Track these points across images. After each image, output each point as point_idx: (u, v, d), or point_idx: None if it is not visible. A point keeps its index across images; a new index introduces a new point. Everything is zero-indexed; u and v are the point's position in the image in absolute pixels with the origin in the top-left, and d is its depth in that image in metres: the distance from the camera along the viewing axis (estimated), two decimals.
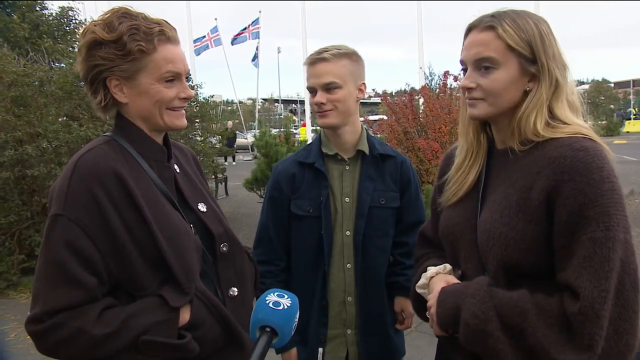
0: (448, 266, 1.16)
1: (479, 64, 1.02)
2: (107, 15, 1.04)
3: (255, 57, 21.01)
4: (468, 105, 1.07)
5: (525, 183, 0.99)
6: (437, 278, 1.13)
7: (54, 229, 0.95)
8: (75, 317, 0.92)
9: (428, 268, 1.18)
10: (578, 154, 0.93)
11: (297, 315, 0.99)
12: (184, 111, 1.12)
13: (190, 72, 8.62)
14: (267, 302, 0.96)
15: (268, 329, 0.93)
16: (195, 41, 17.54)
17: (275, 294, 0.98)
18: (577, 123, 1.01)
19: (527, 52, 0.99)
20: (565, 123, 1.01)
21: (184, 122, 1.13)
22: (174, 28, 1.09)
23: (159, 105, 1.06)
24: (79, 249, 0.94)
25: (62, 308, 0.92)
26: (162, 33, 1.04)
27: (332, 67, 1.49)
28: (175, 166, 1.16)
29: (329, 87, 1.49)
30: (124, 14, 1.04)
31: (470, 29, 1.05)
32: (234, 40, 19.67)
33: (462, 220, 1.11)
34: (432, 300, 1.08)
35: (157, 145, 1.11)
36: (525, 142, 1.02)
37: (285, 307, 0.96)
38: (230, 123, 18.95)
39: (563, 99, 1.02)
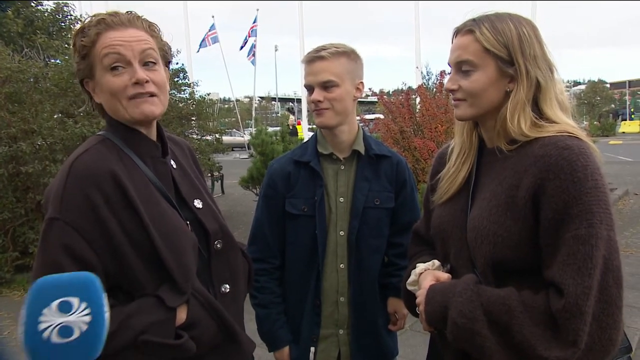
0: (437, 262, 1.17)
1: (459, 67, 1.06)
2: None
3: (251, 52, 20.98)
4: (453, 107, 1.11)
5: (513, 181, 1.00)
6: (425, 274, 1.15)
7: (50, 232, 0.94)
8: None
9: (417, 265, 1.19)
10: (563, 152, 0.95)
11: (105, 306, 0.65)
12: (150, 97, 1.03)
13: (187, 70, 8.55)
14: (45, 334, 0.57)
15: None
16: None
17: (54, 306, 0.56)
18: (565, 122, 1.03)
19: (504, 54, 1.02)
20: (553, 122, 1.02)
21: (149, 109, 1.03)
22: (124, 14, 1.04)
23: (116, 97, 1.03)
24: (76, 251, 0.94)
25: None
26: (100, 22, 1.01)
27: (329, 65, 1.48)
28: (172, 161, 1.15)
29: (326, 85, 1.49)
30: (94, 16, 1.05)
31: (455, 33, 1.09)
32: (242, 47, 20.05)
33: (453, 218, 1.13)
34: (420, 297, 1.09)
35: (150, 141, 1.10)
36: (513, 142, 1.04)
37: (83, 328, 0.59)
38: (292, 118, 19.04)
39: (552, 98, 1.04)
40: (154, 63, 1.05)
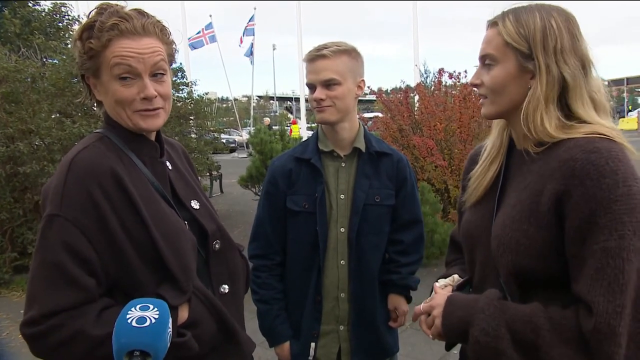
0: (456, 277, 1.15)
1: (483, 61, 1.02)
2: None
3: (250, 53, 20.97)
4: (480, 104, 1.06)
5: (537, 187, 0.94)
6: (445, 290, 1.12)
7: (50, 229, 0.92)
8: (74, 318, 0.91)
9: (439, 280, 1.16)
10: (590, 156, 0.87)
11: (170, 324, 0.85)
12: (157, 112, 1.03)
13: (185, 69, 8.51)
14: (129, 320, 0.81)
15: (137, 353, 0.80)
16: (189, 37, 17.67)
17: (138, 307, 0.84)
18: (598, 122, 0.94)
19: (524, 48, 0.95)
20: (584, 122, 0.94)
21: (153, 123, 1.04)
22: (138, 17, 1.00)
23: (120, 106, 1.01)
24: (77, 249, 0.92)
25: (61, 309, 0.91)
26: (113, 27, 0.96)
27: (331, 63, 1.49)
28: (168, 163, 1.14)
29: (328, 84, 1.50)
30: (98, 10, 1.00)
31: (487, 26, 1.03)
32: (241, 44, 20.10)
33: (480, 223, 1.07)
34: (437, 309, 1.03)
35: (149, 141, 1.09)
36: (540, 144, 0.98)
37: (152, 320, 0.82)
38: (267, 120, 18.89)
39: (583, 96, 0.95)
40: (163, 74, 1.03)
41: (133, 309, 0.84)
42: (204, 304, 1.04)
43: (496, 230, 1.00)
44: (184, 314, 1.00)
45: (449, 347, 1.12)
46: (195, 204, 1.13)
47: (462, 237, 1.14)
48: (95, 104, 1.09)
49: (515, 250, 0.94)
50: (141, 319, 0.82)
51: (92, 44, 0.98)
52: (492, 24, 1.00)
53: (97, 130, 1.08)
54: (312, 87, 1.54)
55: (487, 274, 1.04)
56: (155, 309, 0.84)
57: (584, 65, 0.96)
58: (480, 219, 1.07)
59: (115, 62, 0.98)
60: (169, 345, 0.86)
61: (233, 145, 21.05)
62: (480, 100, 1.05)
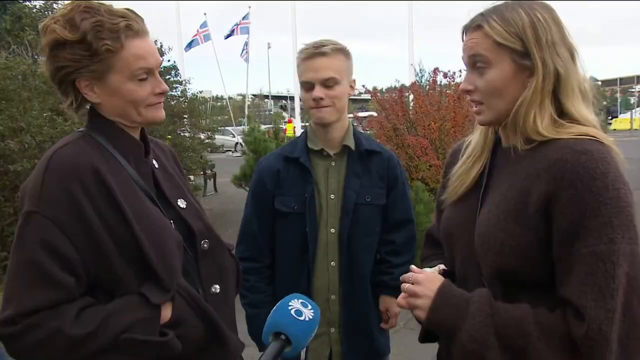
0: (441, 266, 1.13)
1: (473, 62, 0.98)
2: (67, 11, 0.97)
3: (244, 52, 20.92)
4: (474, 112, 1.02)
5: (524, 186, 0.92)
6: (433, 275, 1.08)
7: (27, 226, 0.92)
8: (52, 318, 0.89)
9: (424, 269, 1.14)
10: (580, 157, 0.86)
11: (316, 331, 0.93)
12: (161, 103, 1.08)
13: (179, 68, 8.49)
14: (290, 308, 0.91)
15: (283, 337, 0.88)
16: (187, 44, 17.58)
17: (299, 301, 0.93)
18: (588, 120, 0.93)
19: (519, 46, 0.93)
20: (574, 120, 0.93)
21: (162, 114, 1.09)
22: (140, 18, 1.03)
23: (133, 104, 1.02)
24: (55, 247, 0.91)
25: (38, 308, 0.89)
26: (128, 28, 0.98)
27: (331, 62, 1.48)
28: (154, 162, 1.13)
29: (328, 83, 1.48)
30: (86, 9, 0.97)
31: (465, 31, 1.01)
32: (227, 36, 19.90)
33: (462, 221, 1.05)
34: (424, 300, 0.97)
35: (134, 140, 1.09)
36: (529, 141, 0.96)
37: (308, 318, 0.91)
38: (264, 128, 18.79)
39: (573, 88, 0.93)
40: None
41: (295, 300, 0.93)
42: (189, 304, 1.03)
43: (480, 229, 0.98)
44: (167, 313, 0.99)
45: (423, 340, 1.08)
46: (181, 203, 1.12)
47: (443, 235, 1.13)
48: (80, 109, 1.06)
49: (500, 250, 0.93)
50: (299, 312, 0.91)
51: (109, 45, 0.96)
52: (476, 27, 0.97)
53: (80, 129, 1.07)
54: (309, 85, 1.50)
55: (469, 272, 1.03)
56: (312, 309, 0.93)
57: (572, 55, 0.95)
58: (463, 217, 1.05)
59: (138, 63, 0.99)
60: (305, 347, 0.93)
61: (231, 146, 21.18)
62: (474, 107, 1.01)
